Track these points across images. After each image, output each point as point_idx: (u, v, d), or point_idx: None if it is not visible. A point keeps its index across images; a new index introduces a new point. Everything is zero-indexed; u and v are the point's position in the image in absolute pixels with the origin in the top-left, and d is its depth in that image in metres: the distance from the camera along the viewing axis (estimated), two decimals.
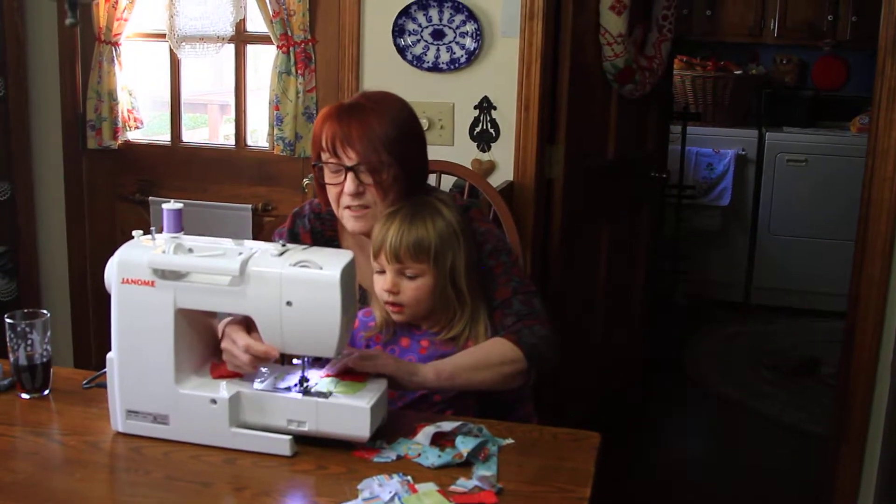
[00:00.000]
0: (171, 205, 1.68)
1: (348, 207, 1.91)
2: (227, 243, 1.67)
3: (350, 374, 1.66)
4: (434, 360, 1.84)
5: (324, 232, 2.06)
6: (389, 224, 1.85)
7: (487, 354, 1.83)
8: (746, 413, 4.00)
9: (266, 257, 1.59)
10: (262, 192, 3.33)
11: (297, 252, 1.61)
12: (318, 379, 1.65)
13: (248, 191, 3.35)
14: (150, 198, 3.41)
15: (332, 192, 1.93)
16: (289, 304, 1.56)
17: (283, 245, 1.62)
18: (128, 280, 1.61)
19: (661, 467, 3.53)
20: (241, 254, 1.59)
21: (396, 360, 1.76)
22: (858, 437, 2.79)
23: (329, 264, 1.57)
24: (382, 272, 1.87)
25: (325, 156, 1.90)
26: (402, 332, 1.92)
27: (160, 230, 1.70)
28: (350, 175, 1.87)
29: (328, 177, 1.92)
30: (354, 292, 1.66)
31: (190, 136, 3.63)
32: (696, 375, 4.36)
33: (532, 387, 1.99)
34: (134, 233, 1.68)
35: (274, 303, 1.57)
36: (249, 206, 3.32)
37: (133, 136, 3.48)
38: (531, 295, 1.94)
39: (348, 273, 1.59)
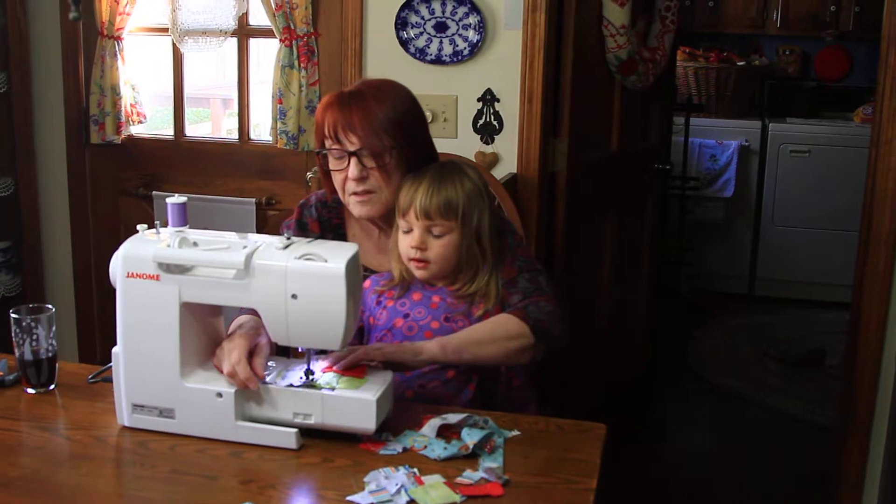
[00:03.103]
0: (175, 199, 1.68)
1: (354, 193, 1.93)
2: (231, 237, 1.67)
3: (350, 370, 1.65)
4: (444, 315, 1.89)
5: (331, 220, 2.08)
6: (418, 184, 1.89)
7: (493, 329, 1.85)
8: (751, 405, 3.99)
9: (271, 250, 1.59)
10: (265, 186, 3.33)
11: (302, 245, 1.61)
12: (321, 374, 1.65)
13: (251, 185, 3.34)
14: (154, 192, 3.40)
15: (337, 179, 1.95)
16: (294, 296, 1.56)
17: (288, 238, 1.63)
18: (133, 274, 1.61)
19: (666, 460, 3.53)
20: (245, 247, 1.59)
21: (398, 345, 1.79)
22: (864, 429, 2.79)
23: (334, 257, 1.57)
24: (409, 231, 1.90)
25: (327, 143, 1.93)
26: (415, 288, 1.95)
27: (164, 224, 1.70)
28: (353, 160, 1.90)
29: (332, 163, 1.93)
30: (360, 284, 1.67)
31: (193, 130, 3.63)
32: (701, 367, 4.36)
33: (534, 371, 1.99)
34: (138, 227, 1.68)
35: (279, 296, 1.57)
36: (253, 199, 3.31)
37: (136, 130, 3.47)
38: (537, 273, 1.97)
39: (353, 265, 1.59)
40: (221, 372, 1.64)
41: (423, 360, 1.78)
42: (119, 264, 1.62)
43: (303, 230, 2.05)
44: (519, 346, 1.84)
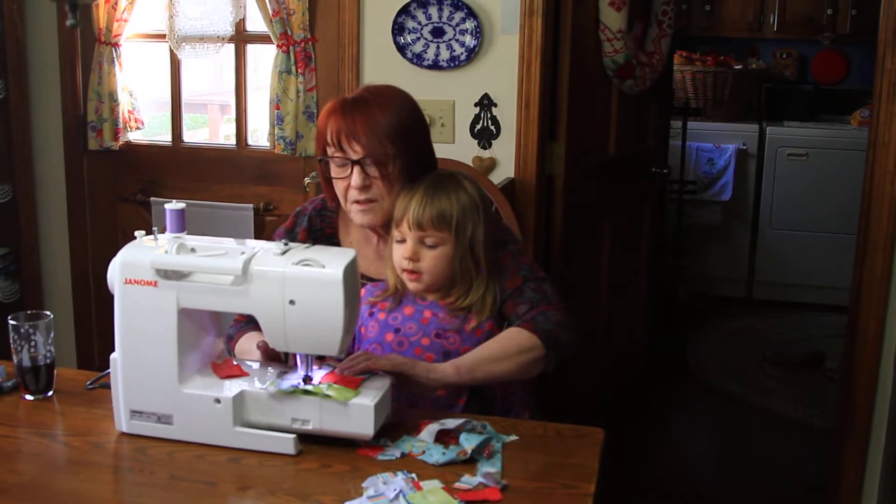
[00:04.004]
0: (173, 205, 1.68)
1: (356, 202, 1.92)
2: (229, 243, 1.67)
3: (344, 379, 1.64)
4: (434, 331, 1.88)
5: (323, 229, 2.07)
6: (412, 194, 1.89)
7: (505, 345, 1.84)
8: (750, 408, 3.99)
9: (268, 256, 1.60)
10: (263, 192, 3.33)
11: (300, 251, 1.62)
12: (318, 381, 1.65)
13: (249, 190, 3.35)
14: (152, 198, 3.40)
15: (339, 187, 1.94)
16: (292, 302, 1.57)
17: (286, 244, 1.63)
18: (131, 280, 1.61)
19: (665, 464, 3.53)
20: (243, 253, 1.59)
21: (412, 361, 1.77)
22: (862, 432, 2.79)
23: (332, 263, 1.57)
24: (402, 241, 1.90)
25: (330, 150, 1.92)
26: (407, 301, 1.93)
27: (162, 230, 1.70)
28: (356, 169, 1.89)
29: (334, 171, 1.93)
30: (357, 290, 1.67)
31: (190, 136, 3.63)
32: (699, 371, 4.36)
33: (532, 377, 1.99)
34: (136, 233, 1.68)
35: (277, 302, 1.57)
36: (251, 205, 3.31)
37: (134, 136, 3.47)
38: (542, 282, 1.96)
39: (351, 271, 1.60)
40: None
41: (435, 378, 1.76)
42: (117, 270, 1.62)
43: (292, 239, 2.03)
44: (531, 358, 1.84)
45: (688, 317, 5.06)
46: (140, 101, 3.45)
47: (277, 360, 1.76)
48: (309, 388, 1.60)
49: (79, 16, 2.03)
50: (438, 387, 1.79)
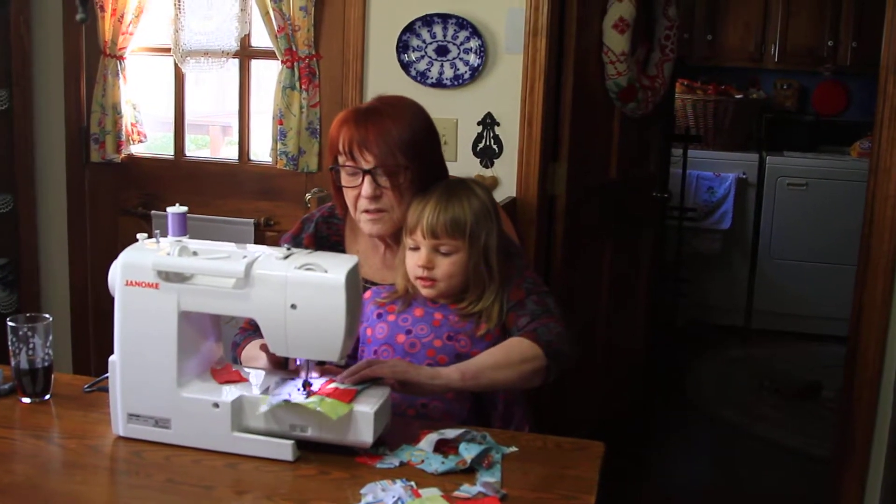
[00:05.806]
0: (175, 208, 1.68)
1: (366, 211, 1.92)
2: (231, 247, 1.67)
3: (337, 392, 1.63)
4: (446, 333, 1.89)
5: (329, 237, 2.08)
6: (426, 202, 1.89)
7: (508, 353, 1.84)
8: (747, 437, 3.97)
9: (271, 260, 1.60)
10: (264, 207, 3.33)
11: (302, 255, 1.62)
12: (316, 388, 1.63)
13: (250, 205, 3.34)
14: (153, 211, 3.40)
15: (349, 196, 1.94)
16: (293, 307, 1.56)
17: (288, 248, 1.63)
18: (132, 282, 1.61)
19: (662, 492, 3.51)
20: (245, 257, 1.59)
21: (415, 366, 1.76)
22: (861, 461, 2.77)
23: (334, 268, 1.57)
24: (416, 249, 1.90)
25: (341, 159, 1.93)
26: (416, 303, 1.93)
27: (164, 235, 1.70)
28: (367, 178, 1.90)
29: (345, 180, 1.93)
30: (360, 296, 1.66)
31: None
32: (697, 399, 4.34)
33: (530, 395, 1.99)
34: (138, 236, 1.68)
35: (278, 306, 1.57)
36: (252, 220, 3.31)
37: (136, 149, 3.48)
38: (544, 295, 1.97)
39: (353, 277, 1.59)
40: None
41: (440, 384, 1.76)
42: (118, 272, 1.62)
43: (297, 245, 2.03)
44: (533, 368, 1.84)
45: (686, 344, 5.04)
46: (143, 115, 3.45)
47: (283, 366, 1.76)
48: (300, 401, 1.58)
49: (87, 10, 2.03)
50: (443, 392, 1.78)
